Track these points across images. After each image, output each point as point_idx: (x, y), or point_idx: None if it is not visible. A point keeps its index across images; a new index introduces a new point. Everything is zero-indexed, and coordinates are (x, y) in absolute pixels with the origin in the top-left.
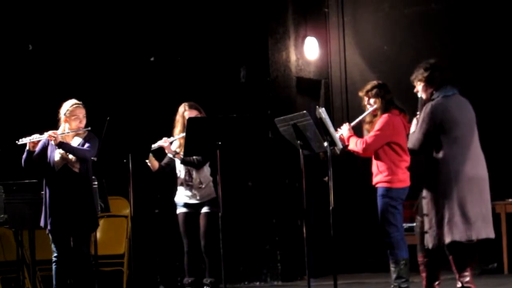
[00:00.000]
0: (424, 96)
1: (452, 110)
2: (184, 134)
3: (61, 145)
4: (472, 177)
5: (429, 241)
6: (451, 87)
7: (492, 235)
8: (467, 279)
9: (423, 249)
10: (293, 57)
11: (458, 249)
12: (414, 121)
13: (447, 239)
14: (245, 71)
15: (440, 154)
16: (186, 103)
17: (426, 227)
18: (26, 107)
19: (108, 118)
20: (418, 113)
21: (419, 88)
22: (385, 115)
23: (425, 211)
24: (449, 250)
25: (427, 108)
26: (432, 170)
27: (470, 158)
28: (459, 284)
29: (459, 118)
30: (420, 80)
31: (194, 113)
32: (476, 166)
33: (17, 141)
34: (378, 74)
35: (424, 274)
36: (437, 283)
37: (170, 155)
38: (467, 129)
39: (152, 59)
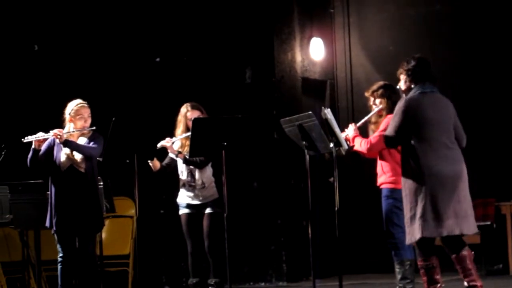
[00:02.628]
0: (403, 89)
1: (425, 108)
2: (187, 135)
3: (66, 143)
4: (444, 175)
5: (406, 237)
6: (430, 84)
7: (469, 231)
8: (472, 277)
9: (422, 253)
10: (298, 57)
11: (452, 243)
12: None
13: (417, 235)
14: (251, 71)
15: (412, 151)
16: (188, 104)
17: (404, 223)
18: (32, 107)
19: (113, 118)
20: None
21: (401, 82)
22: (391, 116)
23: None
24: (444, 245)
25: (401, 102)
26: (405, 166)
27: (442, 156)
28: (466, 284)
29: (431, 117)
30: (401, 73)
31: (196, 114)
32: (448, 164)
33: (22, 139)
34: (383, 75)
35: (424, 278)
36: (438, 285)
37: (172, 155)
38: (440, 129)
39: (157, 59)
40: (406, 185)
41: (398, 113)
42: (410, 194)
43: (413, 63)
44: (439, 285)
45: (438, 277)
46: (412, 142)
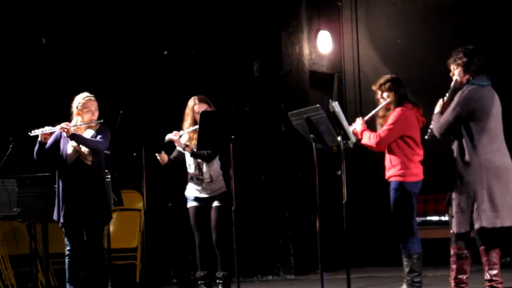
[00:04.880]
0: (459, 81)
1: (485, 100)
2: (194, 128)
3: (73, 136)
4: (500, 167)
5: (454, 226)
6: (486, 77)
7: None
8: (495, 272)
9: (459, 241)
10: (306, 50)
11: (486, 236)
12: (440, 101)
13: (476, 225)
14: (258, 64)
15: (470, 142)
16: (195, 97)
17: (453, 211)
18: (39, 100)
19: (121, 111)
20: (447, 94)
21: (456, 73)
22: (398, 109)
23: (453, 196)
24: (479, 236)
25: (464, 92)
26: (462, 157)
27: (498, 149)
28: (487, 277)
29: (490, 109)
30: (458, 65)
31: (204, 107)
32: (503, 157)
33: (29, 133)
34: (391, 68)
35: (454, 266)
36: (465, 277)
37: (180, 149)
38: (496, 121)
39: (165, 52)
40: (462, 177)
41: (461, 104)
42: (466, 184)
43: (469, 55)
44: (466, 276)
45: (468, 268)
46: (472, 134)
